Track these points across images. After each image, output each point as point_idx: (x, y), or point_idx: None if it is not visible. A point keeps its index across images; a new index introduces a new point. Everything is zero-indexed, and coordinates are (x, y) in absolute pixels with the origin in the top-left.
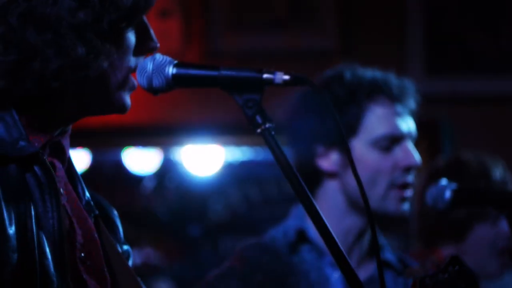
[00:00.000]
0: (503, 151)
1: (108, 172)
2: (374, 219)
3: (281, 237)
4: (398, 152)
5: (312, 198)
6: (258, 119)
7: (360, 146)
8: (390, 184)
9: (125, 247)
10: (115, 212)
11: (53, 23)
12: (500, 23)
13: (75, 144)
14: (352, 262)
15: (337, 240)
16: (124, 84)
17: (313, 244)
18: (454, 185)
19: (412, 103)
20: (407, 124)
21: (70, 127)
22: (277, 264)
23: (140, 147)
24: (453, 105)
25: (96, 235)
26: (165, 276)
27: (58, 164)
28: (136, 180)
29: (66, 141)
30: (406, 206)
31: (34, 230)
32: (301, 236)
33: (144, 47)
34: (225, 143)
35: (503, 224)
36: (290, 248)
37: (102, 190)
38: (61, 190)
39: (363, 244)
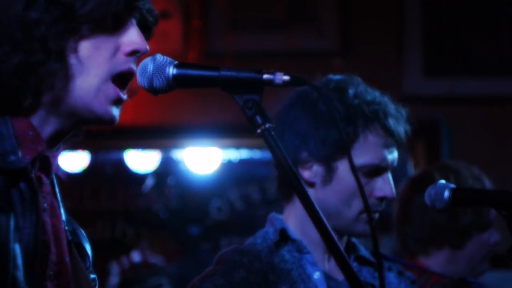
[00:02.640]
0: (501, 151)
1: (108, 172)
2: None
3: (260, 241)
4: (378, 181)
5: (311, 198)
6: (258, 119)
7: (344, 168)
8: (363, 209)
9: (92, 276)
10: (86, 239)
11: (6, 22)
12: (498, 24)
13: (75, 146)
14: (332, 263)
15: (336, 239)
16: (99, 90)
17: (295, 242)
18: (453, 185)
19: (402, 135)
20: (392, 156)
21: (61, 146)
22: (258, 263)
23: (140, 149)
24: (451, 105)
25: (67, 259)
26: (164, 276)
27: (45, 180)
28: (137, 179)
29: (54, 159)
30: (368, 228)
31: (11, 243)
32: (283, 235)
33: (128, 51)
34: (224, 145)
35: (494, 233)
36: (272, 248)
37: (102, 189)
38: (46, 205)
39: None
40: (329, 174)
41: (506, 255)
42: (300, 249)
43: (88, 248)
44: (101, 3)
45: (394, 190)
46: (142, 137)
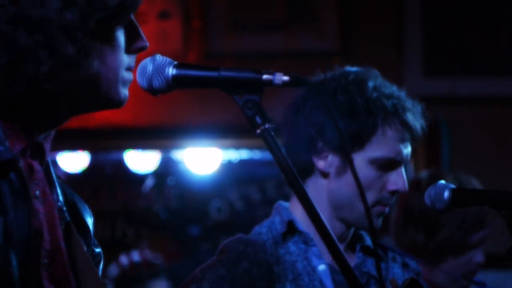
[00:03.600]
0: (501, 151)
1: (108, 172)
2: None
3: (265, 231)
4: (392, 175)
5: (310, 199)
6: (258, 119)
7: (360, 160)
8: (376, 202)
9: (97, 250)
10: (88, 213)
11: (42, 25)
12: (498, 25)
13: (75, 147)
14: None
15: (334, 238)
16: (117, 81)
17: (302, 234)
18: (452, 185)
19: (419, 130)
20: (407, 151)
21: (54, 131)
22: (262, 254)
23: (140, 149)
24: (451, 105)
25: (62, 244)
26: (164, 276)
27: (37, 167)
28: (137, 179)
29: (47, 144)
30: (380, 222)
31: (1, 238)
32: (291, 227)
33: (134, 46)
34: (224, 145)
35: (476, 255)
36: (278, 240)
37: (102, 189)
38: (38, 192)
39: (346, 240)
40: (344, 165)
41: (506, 255)
42: (307, 241)
43: (89, 222)
44: (119, 4)
45: (406, 184)
46: (142, 137)
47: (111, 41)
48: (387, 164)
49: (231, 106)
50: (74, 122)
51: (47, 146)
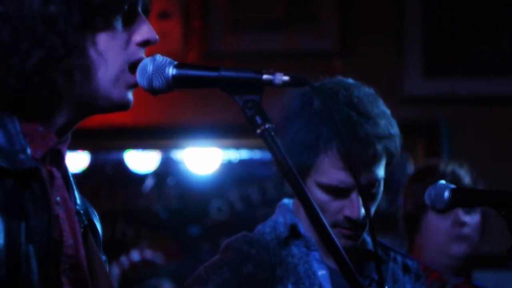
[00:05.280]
0: (501, 151)
1: (108, 172)
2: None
3: (269, 231)
4: (345, 200)
5: (311, 198)
6: (258, 119)
7: (310, 181)
8: (333, 224)
9: (103, 257)
10: (97, 218)
11: (25, 18)
12: (498, 25)
13: (75, 147)
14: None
15: (335, 238)
16: (119, 79)
17: (304, 239)
18: (453, 185)
19: (368, 161)
20: (367, 176)
21: (70, 135)
22: (266, 255)
23: (140, 149)
24: (451, 105)
25: (82, 249)
26: (164, 276)
27: (56, 173)
28: (137, 179)
29: (64, 149)
30: (347, 243)
31: (23, 245)
32: (294, 231)
33: (139, 39)
34: (224, 145)
35: (459, 214)
36: (281, 242)
37: (102, 189)
38: (58, 198)
39: None
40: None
41: (506, 255)
42: (309, 245)
43: (99, 228)
44: None
45: (358, 212)
46: (142, 137)
47: (109, 31)
48: (334, 191)
49: (231, 106)
50: None
51: (65, 150)
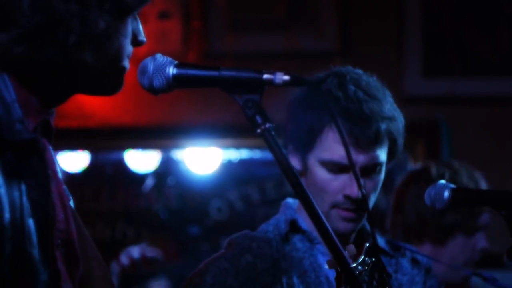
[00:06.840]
0: (501, 151)
1: (108, 172)
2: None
3: (272, 229)
4: (346, 179)
5: (311, 198)
6: (258, 119)
7: (313, 160)
8: (332, 205)
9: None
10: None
11: None
12: (498, 25)
13: (75, 147)
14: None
15: (334, 237)
16: (121, 63)
17: (306, 233)
18: (453, 185)
19: (370, 139)
20: (364, 157)
21: (55, 109)
22: (267, 249)
23: (140, 149)
24: (451, 105)
25: (73, 223)
26: (164, 275)
27: (47, 146)
28: (137, 179)
29: (52, 121)
30: (347, 226)
31: (25, 219)
32: (293, 226)
33: (138, 39)
34: (224, 145)
35: (482, 239)
36: (282, 238)
37: (103, 189)
38: (49, 172)
39: (349, 240)
40: (303, 166)
41: (506, 255)
42: (311, 239)
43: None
44: None
45: (356, 190)
46: (142, 137)
47: (124, 28)
48: (336, 167)
49: (231, 106)
50: (74, 122)
51: (53, 122)
